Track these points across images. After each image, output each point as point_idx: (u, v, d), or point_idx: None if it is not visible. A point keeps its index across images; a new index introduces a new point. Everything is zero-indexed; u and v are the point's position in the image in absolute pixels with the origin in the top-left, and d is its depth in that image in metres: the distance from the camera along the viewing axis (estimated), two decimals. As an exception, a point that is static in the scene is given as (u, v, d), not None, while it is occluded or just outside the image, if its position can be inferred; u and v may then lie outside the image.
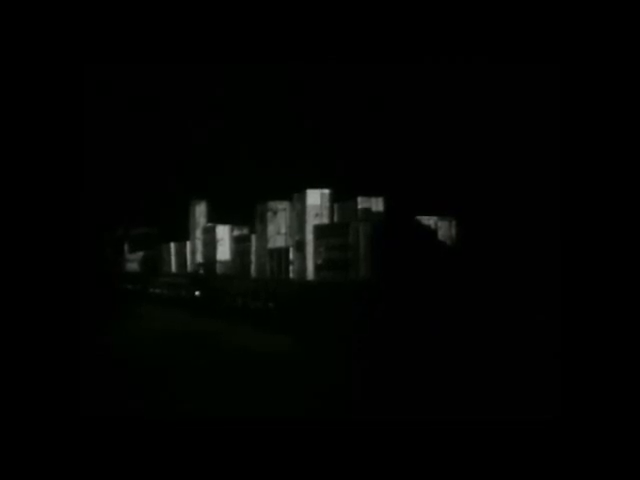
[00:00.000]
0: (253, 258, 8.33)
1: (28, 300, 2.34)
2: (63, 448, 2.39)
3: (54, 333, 2.42)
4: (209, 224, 9.97)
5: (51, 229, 2.44)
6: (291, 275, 7.32)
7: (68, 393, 2.45)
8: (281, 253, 7.54)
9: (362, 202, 6.59)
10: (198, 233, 10.26)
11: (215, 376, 3.95)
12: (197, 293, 9.14)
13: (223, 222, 9.50)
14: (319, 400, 3.70)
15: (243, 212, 8.89)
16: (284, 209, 7.76)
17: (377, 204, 6.53)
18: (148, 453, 2.70)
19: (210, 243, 9.62)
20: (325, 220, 7.01)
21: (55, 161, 2.48)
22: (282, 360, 4.52)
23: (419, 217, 5.95)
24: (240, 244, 8.89)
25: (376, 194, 6.58)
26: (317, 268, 6.88)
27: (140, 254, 12.75)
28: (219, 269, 9.24)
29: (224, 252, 9.29)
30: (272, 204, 7.82)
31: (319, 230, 6.92)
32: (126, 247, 13.25)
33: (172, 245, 11.41)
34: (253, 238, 8.35)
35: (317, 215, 7.02)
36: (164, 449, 2.76)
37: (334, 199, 7.08)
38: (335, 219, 7.04)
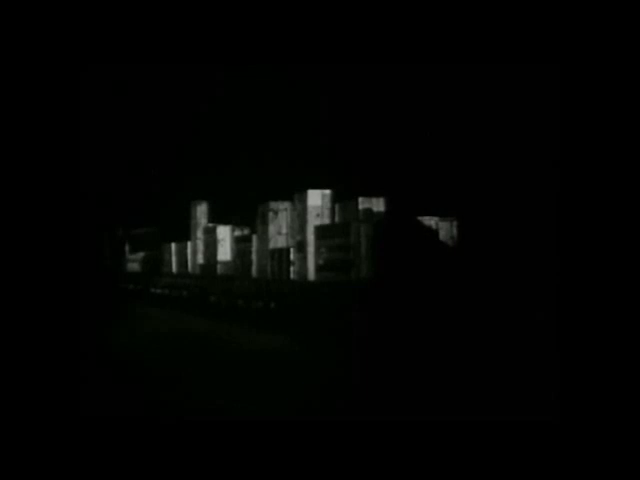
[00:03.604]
0: (254, 258, 8.33)
1: (28, 300, 2.34)
2: (63, 448, 2.39)
3: (54, 333, 2.42)
4: (210, 224, 9.97)
5: (51, 229, 2.44)
6: (292, 275, 7.31)
7: (68, 393, 2.44)
8: (282, 253, 7.54)
9: (363, 202, 6.58)
10: (199, 233, 10.26)
11: (217, 376, 3.95)
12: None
13: (224, 222, 9.50)
14: (319, 400, 3.70)
15: (244, 212, 8.89)
16: (285, 209, 7.75)
17: (378, 204, 6.52)
18: (148, 453, 2.70)
19: (211, 243, 9.62)
20: (326, 220, 7.01)
21: (54, 161, 2.48)
22: (283, 360, 4.52)
23: (420, 218, 5.94)
24: (241, 244, 8.89)
25: (377, 195, 6.58)
26: (318, 268, 6.88)
27: (141, 254, 12.75)
28: (220, 270, 9.24)
29: (225, 252, 9.29)
30: (273, 204, 7.82)
31: (320, 230, 6.92)
32: (127, 247, 13.25)
33: (173, 245, 11.41)
34: (254, 238, 8.35)
35: (318, 215, 7.02)
36: (164, 449, 2.76)
37: (335, 199, 7.08)
38: (336, 219, 7.04)
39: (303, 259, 7.08)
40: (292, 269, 7.26)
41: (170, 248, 11.31)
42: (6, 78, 2.31)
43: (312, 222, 6.98)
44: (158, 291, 11.34)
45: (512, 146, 4.97)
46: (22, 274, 2.36)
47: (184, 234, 10.65)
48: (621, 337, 2.63)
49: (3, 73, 2.30)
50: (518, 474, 2.56)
